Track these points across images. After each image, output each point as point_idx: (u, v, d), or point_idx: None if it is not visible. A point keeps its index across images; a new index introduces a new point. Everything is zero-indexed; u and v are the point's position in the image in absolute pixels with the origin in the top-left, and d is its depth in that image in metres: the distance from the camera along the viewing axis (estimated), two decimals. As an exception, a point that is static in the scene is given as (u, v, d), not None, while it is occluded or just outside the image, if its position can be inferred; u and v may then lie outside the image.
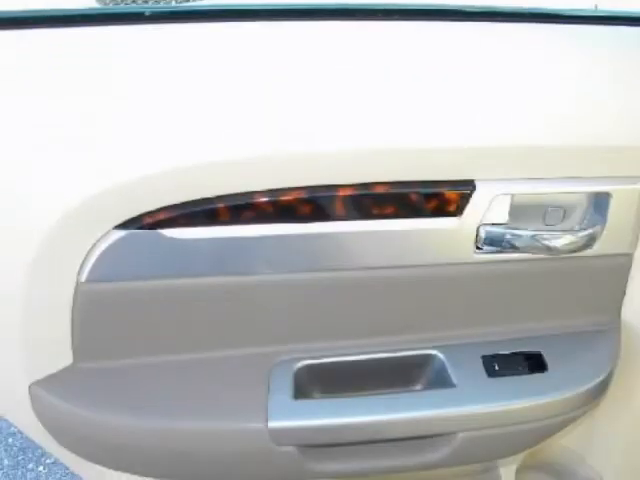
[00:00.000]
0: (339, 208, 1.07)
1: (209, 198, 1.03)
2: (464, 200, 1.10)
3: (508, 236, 1.12)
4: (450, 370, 1.21)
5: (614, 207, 1.15)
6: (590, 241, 1.16)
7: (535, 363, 1.23)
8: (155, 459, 1.17)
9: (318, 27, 1.00)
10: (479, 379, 1.19)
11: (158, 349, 1.17)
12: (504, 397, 1.17)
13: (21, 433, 2.93)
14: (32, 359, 1.11)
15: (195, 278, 1.10)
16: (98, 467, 1.23)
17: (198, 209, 1.04)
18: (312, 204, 1.07)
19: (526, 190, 1.11)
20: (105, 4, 1.69)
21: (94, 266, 1.05)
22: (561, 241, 1.13)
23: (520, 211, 1.13)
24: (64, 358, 1.14)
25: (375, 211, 1.09)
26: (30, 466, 2.85)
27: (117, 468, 1.21)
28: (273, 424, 1.11)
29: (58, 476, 2.79)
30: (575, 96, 1.03)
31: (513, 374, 1.21)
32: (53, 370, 1.13)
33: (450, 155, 1.04)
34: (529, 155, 1.06)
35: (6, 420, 1.22)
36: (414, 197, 1.08)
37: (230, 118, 0.96)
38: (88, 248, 1.04)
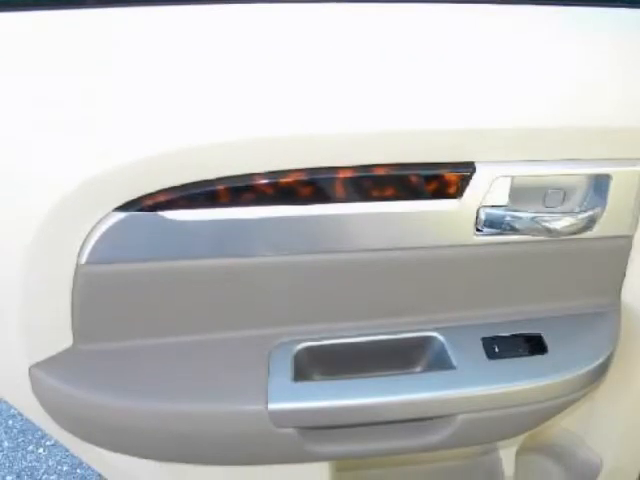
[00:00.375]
0: (339, 190, 1.07)
1: (209, 180, 1.03)
2: (464, 182, 1.09)
3: (508, 218, 1.12)
4: (450, 352, 1.21)
5: (614, 189, 1.14)
6: (590, 223, 1.16)
7: (535, 345, 1.23)
8: (155, 441, 1.18)
9: (317, 9, 0.99)
10: (479, 361, 1.20)
11: (158, 331, 1.17)
12: (504, 379, 1.17)
13: (21, 415, 2.95)
14: (32, 341, 1.11)
15: (195, 260, 1.10)
16: (98, 449, 1.24)
17: (198, 191, 1.04)
18: (312, 186, 1.06)
19: (526, 172, 1.11)
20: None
21: (94, 248, 1.05)
22: (561, 223, 1.13)
23: (520, 193, 1.13)
24: (64, 340, 1.14)
25: (375, 193, 1.09)
26: (30, 448, 2.86)
27: (117, 450, 1.22)
28: (273, 406, 1.11)
29: (58, 458, 2.81)
30: (575, 78, 1.03)
31: (513, 356, 1.21)
32: (53, 352, 1.14)
33: (450, 137, 1.04)
34: (529, 137, 1.06)
35: (6, 402, 1.22)
36: (414, 179, 1.08)
37: (230, 100, 0.96)
38: (88, 230, 1.04)
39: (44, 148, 0.94)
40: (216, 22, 0.96)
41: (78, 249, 1.05)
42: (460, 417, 1.19)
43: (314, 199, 1.08)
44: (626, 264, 1.26)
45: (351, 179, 1.07)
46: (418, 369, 1.28)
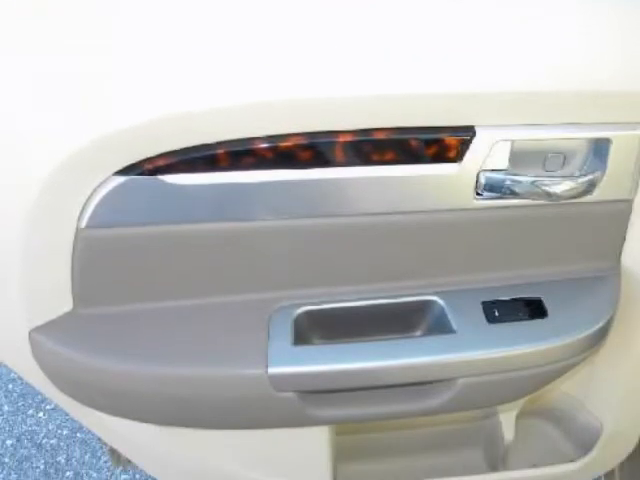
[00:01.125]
0: (339, 154, 1.07)
1: (209, 144, 1.03)
2: (464, 146, 1.09)
3: (508, 182, 1.12)
4: (450, 316, 1.21)
5: (614, 153, 1.14)
6: (590, 187, 1.15)
7: (535, 309, 1.23)
8: (154, 405, 1.18)
9: None
10: (479, 325, 1.20)
11: (158, 295, 1.17)
12: (504, 343, 1.18)
13: (21, 379, 2.97)
14: (32, 305, 1.11)
15: (195, 224, 1.10)
16: (98, 413, 1.24)
17: (198, 155, 1.03)
18: (312, 150, 1.06)
19: (526, 136, 1.10)
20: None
21: (94, 212, 1.05)
22: (561, 187, 1.13)
23: (520, 157, 1.13)
24: (64, 304, 1.14)
25: (375, 157, 1.08)
26: (30, 412, 2.89)
27: (116, 414, 1.22)
28: (273, 370, 1.12)
29: (58, 422, 2.83)
30: (575, 41, 1.02)
31: (513, 320, 1.21)
32: (53, 316, 1.14)
33: (450, 101, 1.03)
34: (529, 101, 1.06)
35: (6, 366, 1.23)
36: (414, 143, 1.08)
37: (230, 63, 0.95)
38: (88, 194, 1.04)
39: (44, 112, 0.94)
40: None
41: (78, 213, 1.05)
42: (460, 381, 1.19)
43: (314, 163, 1.07)
44: (626, 228, 1.25)
45: (351, 143, 1.06)
46: (418, 333, 1.28)
